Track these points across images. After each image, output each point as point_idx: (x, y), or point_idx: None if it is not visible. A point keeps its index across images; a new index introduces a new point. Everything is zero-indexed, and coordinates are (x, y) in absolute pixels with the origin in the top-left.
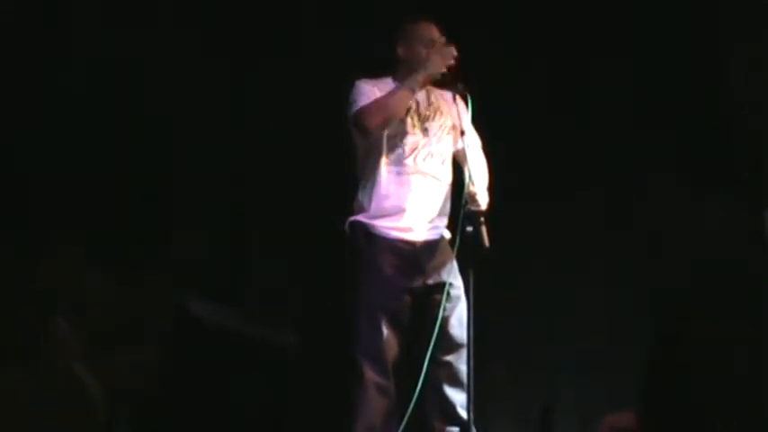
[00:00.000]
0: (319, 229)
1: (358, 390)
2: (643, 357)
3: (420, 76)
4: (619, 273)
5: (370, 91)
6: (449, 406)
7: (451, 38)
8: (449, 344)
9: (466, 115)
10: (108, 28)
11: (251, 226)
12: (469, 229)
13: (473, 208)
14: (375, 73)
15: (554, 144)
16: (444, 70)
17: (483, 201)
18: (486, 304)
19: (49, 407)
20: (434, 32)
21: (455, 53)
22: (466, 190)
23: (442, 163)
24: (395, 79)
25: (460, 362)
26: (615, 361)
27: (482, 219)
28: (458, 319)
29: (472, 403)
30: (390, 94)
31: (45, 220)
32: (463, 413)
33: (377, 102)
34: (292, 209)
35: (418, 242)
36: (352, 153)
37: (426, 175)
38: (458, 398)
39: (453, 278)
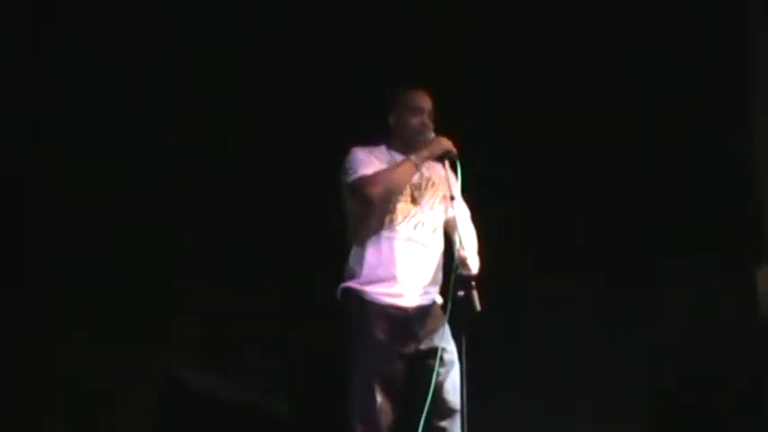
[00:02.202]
0: (311, 296)
1: None
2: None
3: (426, 154)
4: (613, 333)
5: (367, 158)
6: None
7: (441, 104)
8: (443, 409)
9: (455, 182)
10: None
11: (244, 292)
12: (461, 293)
13: (464, 272)
14: (367, 140)
15: (545, 206)
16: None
17: (474, 265)
18: (481, 368)
19: None
20: (425, 101)
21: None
22: (456, 255)
23: (433, 231)
24: (388, 147)
25: (455, 427)
26: (613, 421)
27: (473, 283)
28: (452, 384)
29: None
30: (396, 167)
31: (41, 283)
32: None
33: (382, 173)
34: (285, 275)
35: (410, 308)
36: (344, 219)
37: (417, 242)
38: None
39: (446, 343)
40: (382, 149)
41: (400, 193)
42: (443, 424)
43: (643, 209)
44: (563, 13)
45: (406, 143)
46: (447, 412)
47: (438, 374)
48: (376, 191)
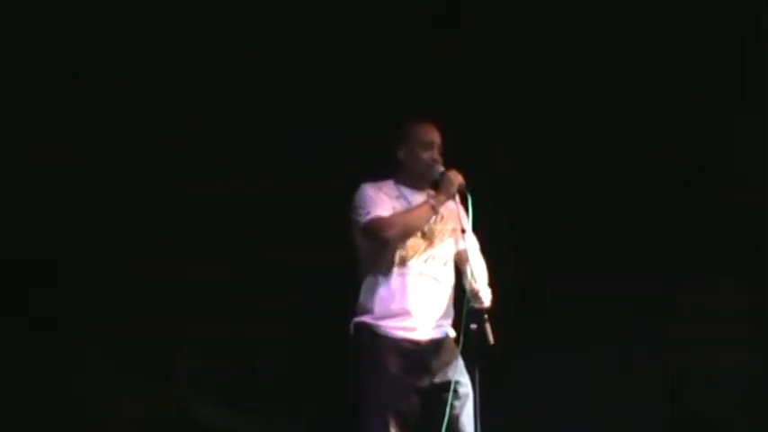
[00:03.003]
0: (323, 331)
1: None
2: None
3: (444, 198)
4: (631, 360)
5: (377, 197)
6: None
7: (450, 137)
8: None
9: (465, 215)
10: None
11: (254, 328)
12: (474, 326)
13: (476, 305)
14: (374, 176)
15: (554, 235)
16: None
17: (486, 298)
18: (495, 400)
19: None
20: (434, 134)
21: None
22: (468, 288)
23: (444, 265)
24: (396, 182)
25: None
26: None
27: (486, 316)
28: (467, 416)
29: None
30: (413, 211)
31: (53, 315)
32: None
33: (399, 217)
34: (295, 310)
35: (423, 341)
36: (354, 254)
37: (429, 276)
38: None
39: (460, 376)
40: (390, 184)
41: (415, 234)
42: None
43: (658, 234)
44: (562, 17)
45: (415, 177)
46: None
47: (453, 407)
48: (392, 234)
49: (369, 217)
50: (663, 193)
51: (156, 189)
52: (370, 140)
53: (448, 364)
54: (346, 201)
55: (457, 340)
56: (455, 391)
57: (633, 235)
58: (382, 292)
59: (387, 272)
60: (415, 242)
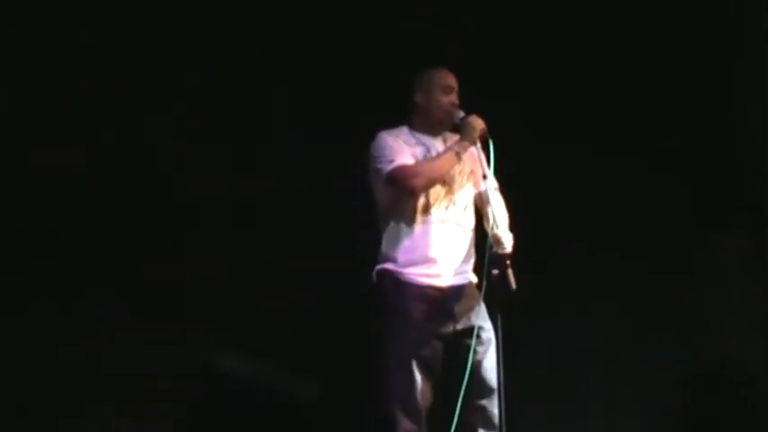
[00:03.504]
0: (346, 279)
1: None
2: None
3: (467, 144)
4: (651, 315)
5: (398, 144)
6: None
7: (465, 87)
8: (482, 387)
9: (486, 160)
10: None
11: (277, 279)
12: (496, 272)
13: (499, 251)
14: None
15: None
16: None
17: (508, 243)
18: (519, 345)
19: None
20: (452, 80)
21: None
22: (490, 233)
23: (464, 209)
24: (411, 128)
25: (493, 405)
26: (652, 400)
27: (508, 261)
28: (490, 362)
29: None
30: (439, 158)
31: (77, 276)
32: None
33: (425, 166)
34: (319, 259)
35: (446, 287)
36: (374, 204)
37: (451, 223)
38: None
39: (483, 321)
40: (405, 131)
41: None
42: (482, 402)
43: (678, 194)
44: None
45: (434, 123)
46: (486, 391)
47: (476, 353)
48: (419, 183)
49: (393, 165)
50: (680, 156)
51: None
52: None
53: (471, 309)
54: (348, 194)
55: (479, 286)
56: (478, 336)
57: (657, 193)
58: (405, 240)
59: (409, 220)
60: (435, 189)
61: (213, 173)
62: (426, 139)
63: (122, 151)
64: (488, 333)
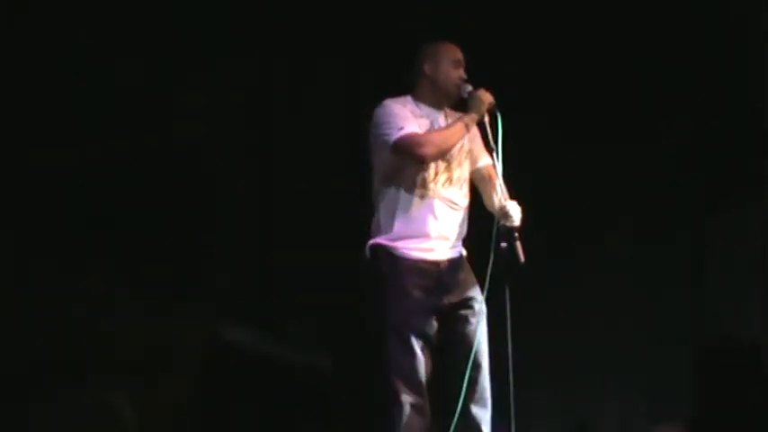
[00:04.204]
0: (341, 253)
1: (394, 411)
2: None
3: (476, 117)
4: (656, 285)
5: (404, 112)
6: (474, 424)
7: (472, 61)
8: (474, 360)
9: (489, 134)
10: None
11: (278, 255)
12: (504, 244)
13: (507, 224)
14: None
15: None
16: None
17: (516, 216)
18: (522, 319)
19: None
20: (460, 54)
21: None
22: (498, 206)
23: (461, 188)
24: (415, 98)
25: (484, 379)
26: (657, 371)
27: (516, 234)
28: (482, 333)
29: (513, 421)
30: (449, 129)
31: (83, 248)
32: (487, 430)
33: (435, 135)
34: (315, 234)
35: (439, 261)
36: (374, 171)
37: (447, 200)
38: (483, 416)
39: (475, 292)
40: (410, 101)
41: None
42: (474, 374)
43: (683, 165)
44: None
45: (439, 95)
46: (477, 364)
47: (470, 324)
48: (429, 151)
49: (402, 132)
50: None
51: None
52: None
53: (464, 282)
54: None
55: (487, 259)
56: (471, 307)
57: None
58: (401, 214)
59: (407, 194)
60: (435, 165)
61: (228, 153)
62: (430, 111)
63: (143, 134)
64: (480, 304)
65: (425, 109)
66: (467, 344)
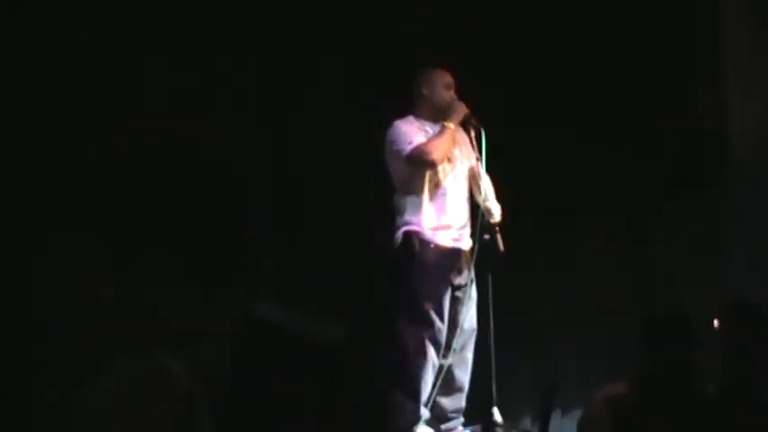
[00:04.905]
0: (369, 240)
1: (423, 369)
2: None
3: (456, 121)
4: (616, 261)
5: (411, 129)
6: (458, 388)
7: (461, 84)
8: (465, 334)
9: (477, 146)
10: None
11: (308, 238)
12: (487, 237)
13: (490, 220)
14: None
15: (557, 163)
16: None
17: (497, 213)
18: (498, 300)
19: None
20: (451, 79)
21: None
22: (482, 204)
23: (464, 180)
24: (417, 117)
25: (470, 350)
26: (617, 342)
27: (497, 228)
28: (474, 312)
29: (494, 381)
30: (443, 135)
31: (129, 232)
32: (465, 386)
33: (436, 142)
34: (348, 221)
35: (458, 249)
36: (392, 178)
37: (456, 193)
38: (465, 380)
39: (468, 279)
40: (411, 119)
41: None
42: (462, 345)
43: (634, 159)
44: None
45: (436, 112)
46: (466, 336)
47: (464, 304)
48: (437, 157)
49: (412, 146)
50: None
51: None
52: (371, 139)
53: (467, 267)
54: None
55: (472, 249)
56: (468, 290)
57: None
58: (426, 209)
59: (427, 193)
60: (443, 166)
61: (255, 146)
62: (429, 125)
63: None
64: (472, 290)
65: (425, 124)
66: (460, 321)
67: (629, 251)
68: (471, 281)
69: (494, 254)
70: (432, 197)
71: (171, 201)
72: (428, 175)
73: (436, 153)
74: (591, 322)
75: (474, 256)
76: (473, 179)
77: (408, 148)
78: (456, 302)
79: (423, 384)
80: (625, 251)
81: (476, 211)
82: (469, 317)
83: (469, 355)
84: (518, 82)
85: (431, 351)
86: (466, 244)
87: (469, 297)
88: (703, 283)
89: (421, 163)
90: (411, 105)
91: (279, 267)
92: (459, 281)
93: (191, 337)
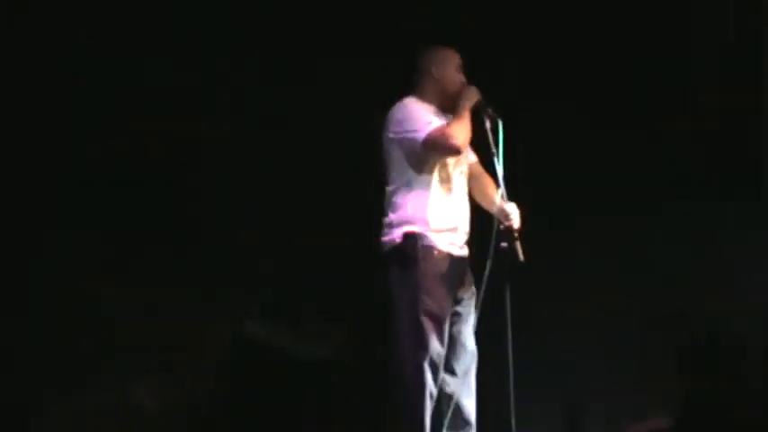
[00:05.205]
0: (360, 243)
1: (420, 397)
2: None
3: (469, 105)
4: (646, 276)
5: (424, 108)
6: (465, 421)
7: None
8: (468, 354)
9: (491, 139)
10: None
11: (300, 248)
12: (504, 244)
13: (512, 225)
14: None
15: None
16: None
17: (516, 216)
18: (516, 315)
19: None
20: (460, 59)
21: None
22: (498, 207)
23: (465, 180)
24: (420, 98)
25: (471, 374)
26: (645, 362)
27: (516, 234)
28: (473, 328)
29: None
30: (462, 117)
31: (129, 232)
32: (472, 419)
33: (458, 125)
34: (338, 226)
35: (461, 257)
36: (389, 167)
37: (462, 192)
38: (472, 411)
39: (470, 292)
40: (414, 100)
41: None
42: (466, 368)
43: (646, 152)
44: None
45: (444, 96)
46: (469, 357)
47: (466, 322)
48: (461, 142)
49: (432, 128)
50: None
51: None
52: (371, 139)
53: (469, 280)
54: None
55: (473, 257)
56: (469, 304)
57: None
58: (432, 205)
59: (435, 187)
60: (452, 159)
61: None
62: (436, 110)
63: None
64: (471, 305)
65: (429, 106)
66: (462, 341)
67: (629, 251)
68: (473, 294)
69: (512, 264)
70: (440, 193)
71: (171, 201)
72: (438, 166)
73: (460, 138)
74: (591, 322)
75: (488, 267)
76: (473, 178)
77: (428, 129)
78: (458, 319)
79: (424, 419)
80: (625, 251)
81: (475, 214)
82: (471, 337)
83: (473, 380)
84: (517, 82)
85: (429, 379)
86: (467, 251)
87: (470, 313)
88: (704, 283)
89: (443, 148)
90: (412, 86)
91: (279, 267)
92: (461, 294)
93: (190, 337)
